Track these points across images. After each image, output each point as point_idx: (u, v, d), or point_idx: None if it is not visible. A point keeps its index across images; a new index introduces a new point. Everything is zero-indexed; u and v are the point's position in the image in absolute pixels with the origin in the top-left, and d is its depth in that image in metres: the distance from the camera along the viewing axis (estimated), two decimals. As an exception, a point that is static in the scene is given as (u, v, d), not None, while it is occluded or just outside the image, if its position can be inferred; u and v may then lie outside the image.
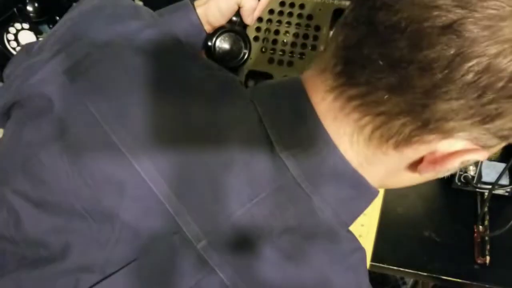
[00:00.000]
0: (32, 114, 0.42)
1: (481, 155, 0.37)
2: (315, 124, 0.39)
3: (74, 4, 0.50)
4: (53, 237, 0.40)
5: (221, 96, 0.42)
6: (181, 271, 0.38)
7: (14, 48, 0.87)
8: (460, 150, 0.36)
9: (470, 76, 0.31)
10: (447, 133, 0.35)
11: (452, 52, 0.31)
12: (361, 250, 0.43)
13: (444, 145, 0.36)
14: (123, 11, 0.46)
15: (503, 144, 0.38)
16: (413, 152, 0.38)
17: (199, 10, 0.64)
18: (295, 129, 0.40)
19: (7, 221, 0.41)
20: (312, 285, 0.40)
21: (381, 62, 0.34)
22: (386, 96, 0.35)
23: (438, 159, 0.37)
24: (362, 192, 0.42)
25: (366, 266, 0.44)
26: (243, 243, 0.39)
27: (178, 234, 0.38)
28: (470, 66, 0.31)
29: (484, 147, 0.37)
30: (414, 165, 0.39)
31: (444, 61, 0.31)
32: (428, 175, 0.39)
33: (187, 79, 0.43)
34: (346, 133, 0.39)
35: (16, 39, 0.87)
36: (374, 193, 0.43)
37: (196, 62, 0.45)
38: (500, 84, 0.31)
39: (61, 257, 0.39)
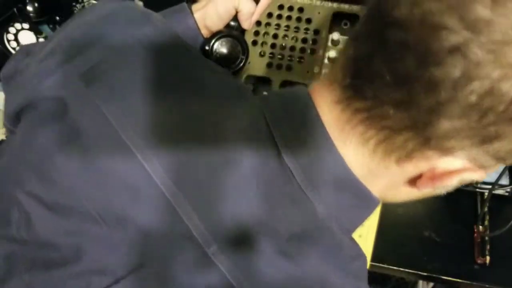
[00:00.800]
0: (46, 116, 0.42)
1: (478, 175, 0.37)
2: (320, 133, 0.40)
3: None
4: (65, 239, 0.40)
5: (232, 102, 0.44)
6: (183, 266, 0.39)
7: (14, 48, 0.87)
8: (458, 169, 0.37)
9: (473, 98, 0.32)
10: (446, 151, 0.36)
11: (458, 72, 0.31)
12: (363, 257, 0.44)
13: (443, 163, 0.37)
14: (137, 17, 0.47)
15: (499, 165, 0.39)
16: (413, 168, 0.38)
17: (197, 14, 0.64)
18: (300, 135, 0.41)
19: (19, 223, 0.42)
20: (311, 283, 0.40)
21: (388, 78, 0.34)
22: (391, 111, 0.35)
23: (437, 176, 0.37)
24: (365, 200, 0.42)
25: (366, 273, 0.45)
26: (244, 238, 0.39)
27: (184, 231, 0.39)
28: (474, 88, 0.31)
29: (481, 167, 0.37)
30: (413, 181, 0.40)
31: (450, 81, 0.32)
32: (425, 191, 0.40)
33: (200, 84, 0.44)
34: (352, 144, 0.39)
35: (16, 39, 0.87)
36: (376, 202, 0.43)
37: (208, 68, 0.47)
38: (501, 107, 0.32)
39: (73, 260, 0.40)
